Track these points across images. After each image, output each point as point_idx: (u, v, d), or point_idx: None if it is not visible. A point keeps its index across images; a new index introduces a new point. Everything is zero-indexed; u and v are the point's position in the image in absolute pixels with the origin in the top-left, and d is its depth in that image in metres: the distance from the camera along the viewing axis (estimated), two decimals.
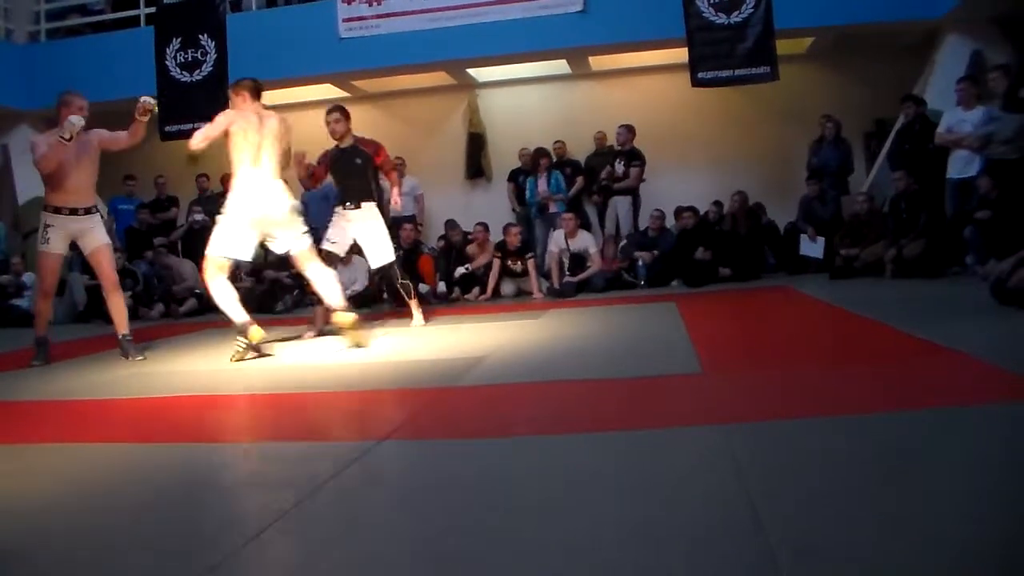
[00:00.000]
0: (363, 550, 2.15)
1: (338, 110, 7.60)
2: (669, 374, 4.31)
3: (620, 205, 10.60)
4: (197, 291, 10.54)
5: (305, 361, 5.83)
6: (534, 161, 10.89)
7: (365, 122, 12.66)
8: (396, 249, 7.74)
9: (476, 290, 9.86)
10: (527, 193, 10.83)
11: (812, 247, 9.68)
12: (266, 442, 3.46)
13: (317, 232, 11.03)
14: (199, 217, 11.28)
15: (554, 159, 11.05)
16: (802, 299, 7.60)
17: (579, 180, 10.74)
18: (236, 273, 10.50)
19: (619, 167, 10.57)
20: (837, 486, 2.31)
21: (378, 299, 10.10)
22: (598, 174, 10.79)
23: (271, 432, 3.65)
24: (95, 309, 10.16)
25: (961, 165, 8.31)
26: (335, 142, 7.57)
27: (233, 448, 3.39)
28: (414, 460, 3.02)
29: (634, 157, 10.62)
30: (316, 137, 12.56)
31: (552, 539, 2.11)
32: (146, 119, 6.12)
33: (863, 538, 1.93)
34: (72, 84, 11.48)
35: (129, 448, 3.51)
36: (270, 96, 12.45)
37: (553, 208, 10.42)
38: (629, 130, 10.71)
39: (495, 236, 10.17)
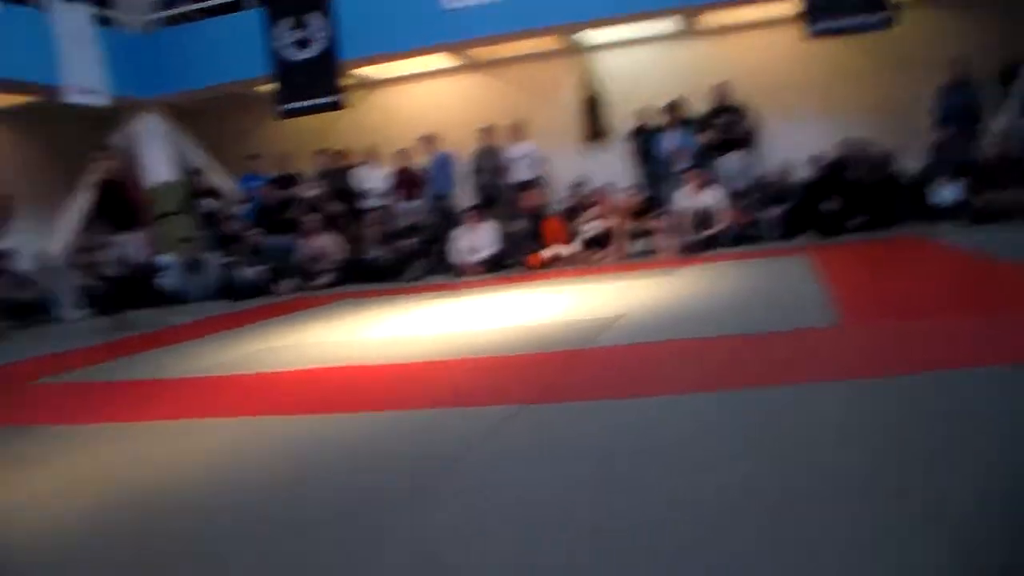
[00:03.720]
0: (513, 512, 2.24)
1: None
2: (805, 327, 4.32)
3: (730, 160, 10.64)
4: (334, 266, 10.89)
5: (437, 329, 6.00)
6: (668, 116, 10.87)
7: (479, 90, 12.90)
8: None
9: (604, 250, 9.98)
10: (655, 150, 10.86)
11: (944, 194, 9.58)
12: (406, 411, 3.56)
13: (442, 199, 11.43)
14: (310, 193, 11.65)
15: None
16: (938, 247, 7.57)
17: (704, 135, 10.76)
18: (364, 244, 10.92)
19: (724, 122, 10.65)
20: (982, 442, 2.30)
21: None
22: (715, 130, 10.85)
23: (410, 401, 3.73)
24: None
25: None
26: None
27: (375, 417, 3.50)
28: (556, 423, 3.09)
29: (734, 111, 10.68)
30: (429, 109, 12.90)
31: (702, 496, 2.18)
32: None
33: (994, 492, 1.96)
34: (186, 70, 12.04)
35: (269, 421, 3.70)
36: (382, 70, 12.81)
37: (682, 164, 10.45)
38: (725, 86, 10.82)
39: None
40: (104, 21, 11.72)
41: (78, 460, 3.39)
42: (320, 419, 3.63)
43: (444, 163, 11.69)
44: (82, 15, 10.94)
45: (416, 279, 10.32)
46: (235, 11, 12.34)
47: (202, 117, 13.11)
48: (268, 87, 11.84)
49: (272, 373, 4.90)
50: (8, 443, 3.82)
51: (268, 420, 3.73)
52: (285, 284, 10.81)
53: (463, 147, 11.75)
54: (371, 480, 2.69)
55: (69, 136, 12.40)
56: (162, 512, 2.63)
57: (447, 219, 11.37)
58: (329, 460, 2.97)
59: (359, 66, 12.36)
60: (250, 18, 11.85)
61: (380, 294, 9.14)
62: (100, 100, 10.78)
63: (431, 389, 3.96)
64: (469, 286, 8.86)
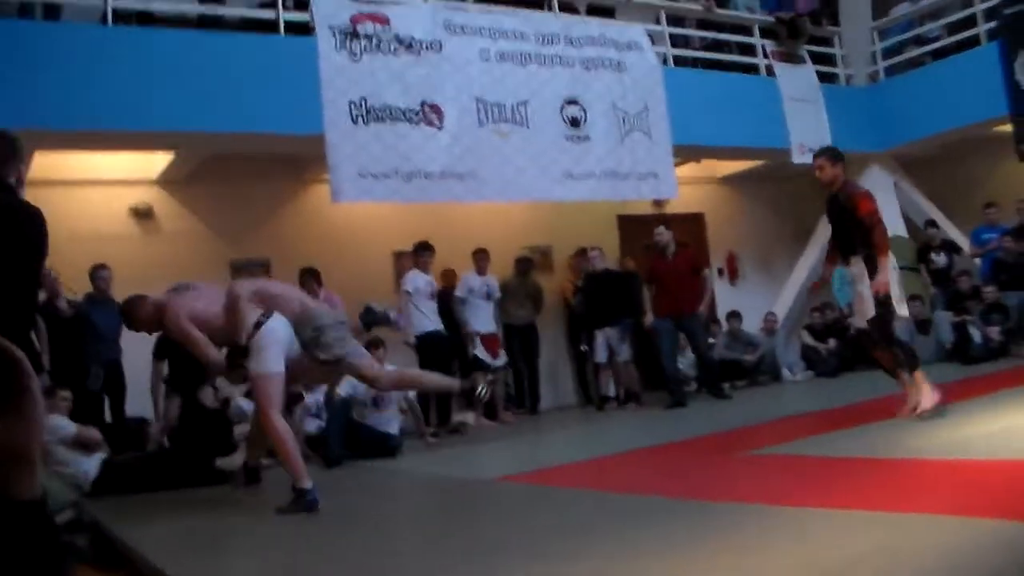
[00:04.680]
0: None
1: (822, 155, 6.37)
2: None
3: None
4: None
5: None
6: None
7: None
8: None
9: None
10: None
11: None
12: None
13: None
14: None
15: None
16: None
17: None
18: None
19: None
20: None
21: None
22: None
23: None
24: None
25: None
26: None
27: None
28: None
29: None
30: None
31: None
32: None
33: None
34: (913, 117, 11.39)
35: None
36: None
37: None
38: None
39: None
40: (826, 77, 11.68)
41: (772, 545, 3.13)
42: None
43: None
44: (808, 75, 11.03)
45: None
46: (968, 49, 11.38)
47: (930, 165, 12.37)
48: (1006, 127, 10.68)
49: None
50: (711, 521, 3.66)
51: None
52: None
53: None
54: None
55: (793, 196, 12.58)
56: None
57: None
58: None
59: None
60: (983, 54, 10.87)
61: None
62: None
63: None
64: None
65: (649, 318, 9.35)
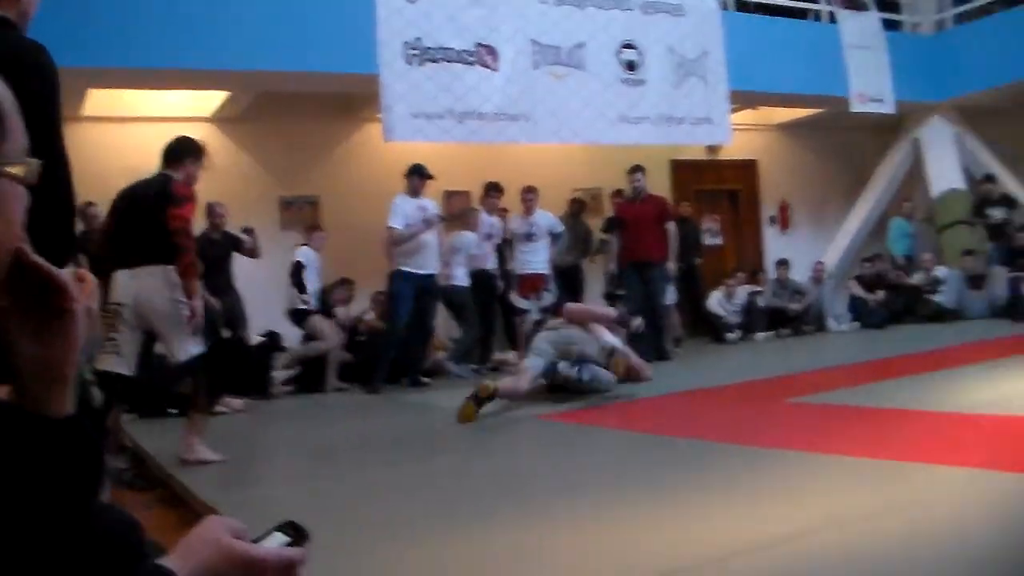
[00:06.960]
0: None
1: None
2: None
3: None
4: None
5: None
6: None
7: None
8: None
9: None
10: None
11: None
12: None
13: None
14: None
15: None
16: None
17: None
18: None
19: None
20: None
21: None
22: None
23: None
24: None
25: None
26: None
27: None
28: None
29: None
30: None
31: None
32: None
33: None
34: (980, 66, 11.13)
35: None
36: None
37: None
38: None
39: None
40: (889, 25, 11.40)
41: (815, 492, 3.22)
42: None
43: None
44: (871, 23, 10.78)
45: None
46: None
47: (995, 117, 12.02)
48: None
49: None
50: (749, 465, 3.73)
51: None
52: None
53: None
54: None
55: (850, 146, 12.41)
56: None
57: None
58: None
59: None
60: None
61: None
62: (885, 108, 10.56)
63: None
64: None
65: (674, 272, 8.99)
